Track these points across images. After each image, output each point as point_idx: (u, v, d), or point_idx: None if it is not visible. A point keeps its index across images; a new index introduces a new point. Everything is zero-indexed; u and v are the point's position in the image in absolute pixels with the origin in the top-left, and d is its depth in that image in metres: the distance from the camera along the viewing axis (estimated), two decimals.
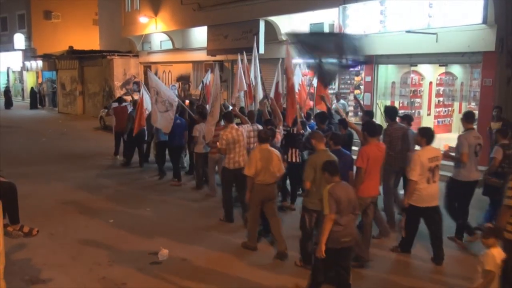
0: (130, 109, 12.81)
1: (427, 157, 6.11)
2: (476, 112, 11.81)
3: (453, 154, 7.19)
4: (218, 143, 8.17)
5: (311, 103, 10.99)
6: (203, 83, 12.31)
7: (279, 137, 8.12)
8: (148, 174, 11.57)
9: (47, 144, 16.37)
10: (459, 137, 7.06)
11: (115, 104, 13.95)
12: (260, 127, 8.26)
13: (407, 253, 6.67)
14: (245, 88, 10.64)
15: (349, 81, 14.61)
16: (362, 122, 8.50)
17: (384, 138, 7.67)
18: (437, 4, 11.29)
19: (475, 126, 7.92)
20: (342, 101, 13.65)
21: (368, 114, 8.98)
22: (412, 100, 13.99)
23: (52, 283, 5.84)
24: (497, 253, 4.47)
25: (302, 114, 9.56)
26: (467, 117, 7.25)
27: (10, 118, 22.56)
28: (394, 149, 7.53)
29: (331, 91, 14.99)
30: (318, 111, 9.93)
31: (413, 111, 14.10)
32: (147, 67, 24.01)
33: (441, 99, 14.59)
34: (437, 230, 6.36)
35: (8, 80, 37.25)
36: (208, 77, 12.14)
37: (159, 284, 5.88)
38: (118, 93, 21.56)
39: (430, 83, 14.23)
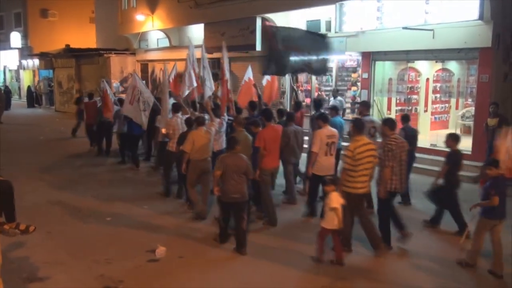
0: (99, 104, 13.86)
1: (326, 134, 7.65)
2: (473, 108, 11.88)
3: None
4: (163, 129, 9.69)
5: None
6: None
7: (223, 122, 9.31)
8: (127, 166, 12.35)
9: (45, 142, 16.41)
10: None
11: (87, 99, 15.19)
12: (207, 116, 9.26)
13: (314, 217, 8.06)
14: (195, 84, 11.27)
15: (346, 78, 14.63)
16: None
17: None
18: (434, 1, 11.30)
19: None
20: (339, 97, 13.67)
21: (297, 104, 10.69)
22: (409, 96, 14.02)
23: (50, 281, 5.84)
24: (337, 196, 6.19)
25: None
26: (365, 105, 9.18)
27: (7, 117, 22.48)
28: None
29: (328, 88, 15.04)
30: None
31: (410, 107, 14.14)
32: (144, 64, 23.97)
33: (438, 95, 14.64)
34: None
35: (4, 79, 37.13)
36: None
37: (156, 281, 5.89)
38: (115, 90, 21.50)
39: (427, 79, 14.26)
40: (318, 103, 9.87)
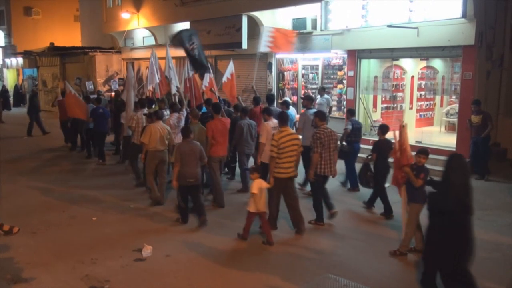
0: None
1: (271, 126, 8.45)
2: (457, 105, 12.01)
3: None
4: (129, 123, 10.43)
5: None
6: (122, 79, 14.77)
7: (182, 117, 10.03)
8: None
9: (26, 141, 16.31)
10: (300, 115, 9.75)
11: (60, 97, 15.49)
12: (167, 112, 10.38)
13: None
14: (157, 81, 12.34)
15: (332, 76, 14.69)
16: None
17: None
18: None
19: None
20: (326, 96, 13.70)
21: (256, 100, 11.03)
22: (394, 94, 14.12)
23: (35, 282, 5.79)
24: (259, 183, 6.91)
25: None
26: (308, 99, 10.08)
27: None
28: None
29: (314, 86, 15.09)
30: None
31: (396, 105, 14.25)
32: (130, 63, 23.79)
33: (423, 93, 14.77)
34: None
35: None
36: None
37: (143, 281, 5.87)
38: (102, 89, 21.35)
39: (412, 77, 14.38)
40: (270, 98, 10.66)
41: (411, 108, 14.56)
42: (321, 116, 7.75)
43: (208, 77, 12.66)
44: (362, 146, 10.33)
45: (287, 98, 13.65)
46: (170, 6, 18.38)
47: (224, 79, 12.70)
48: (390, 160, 7.68)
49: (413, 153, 6.66)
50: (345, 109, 13.81)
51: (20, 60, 31.06)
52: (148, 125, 9.05)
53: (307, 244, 7.01)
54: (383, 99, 14.06)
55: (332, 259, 6.47)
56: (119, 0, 22.28)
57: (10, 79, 34.00)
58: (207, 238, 7.20)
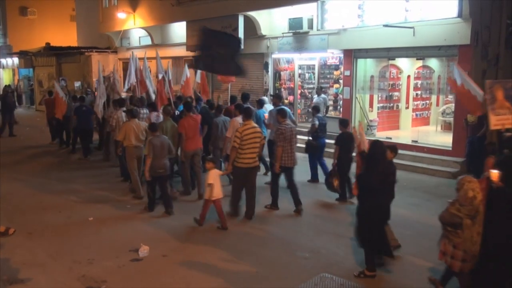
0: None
1: (238, 122, 8.73)
2: (453, 105, 12.05)
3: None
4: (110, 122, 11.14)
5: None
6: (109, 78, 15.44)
7: (160, 115, 10.42)
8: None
9: (22, 141, 16.28)
10: (269, 112, 10.33)
11: (47, 96, 16.26)
12: (147, 110, 11.01)
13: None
14: (134, 81, 12.89)
15: (328, 76, 14.71)
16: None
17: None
18: None
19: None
20: (323, 95, 13.74)
21: (232, 98, 11.73)
22: (390, 93, 14.16)
23: (31, 283, 5.78)
24: (214, 173, 7.44)
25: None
26: (278, 97, 11.12)
27: None
28: None
29: (311, 86, 15.11)
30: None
31: (392, 104, 14.29)
32: (126, 63, 23.73)
33: (419, 92, 14.82)
34: None
35: None
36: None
37: (140, 281, 5.86)
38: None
39: (408, 76, 14.42)
40: (245, 96, 11.17)
41: (407, 108, 14.60)
42: (283, 113, 8.41)
43: (185, 76, 13.70)
44: (327, 141, 10.57)
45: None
46: (166, 6, 18.35)
47: (197, 79, 13.79)
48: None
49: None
50: (341, 109, 13.88)
51: (15, 60, 30.93)
52: (124, 123, 9.67)
53: (303, 243, 7.01)
54: (380, 98, 14.09)
55: (328, 258, 6.48)
56: (115, 0, 22.22)
57: (5, 79, 33.86)
58: (204, 237, 7.21)
